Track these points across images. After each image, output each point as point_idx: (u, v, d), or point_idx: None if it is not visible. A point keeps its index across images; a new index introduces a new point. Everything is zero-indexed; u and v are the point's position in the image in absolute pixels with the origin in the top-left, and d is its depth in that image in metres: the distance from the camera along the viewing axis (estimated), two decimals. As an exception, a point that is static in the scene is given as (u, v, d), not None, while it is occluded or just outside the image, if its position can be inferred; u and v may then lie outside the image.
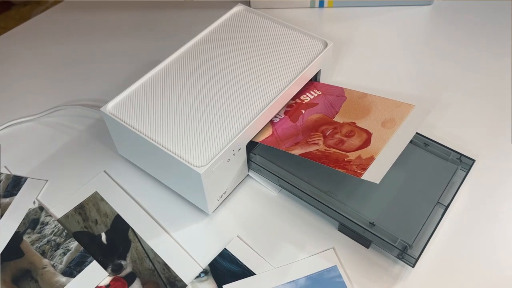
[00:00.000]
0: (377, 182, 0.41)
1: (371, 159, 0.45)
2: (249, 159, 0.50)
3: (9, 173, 0.54)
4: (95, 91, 0.63)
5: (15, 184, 0.52)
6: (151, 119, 0.48)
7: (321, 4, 0.73)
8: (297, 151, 0.48)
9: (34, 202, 0.51)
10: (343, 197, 0.46)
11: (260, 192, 0.51)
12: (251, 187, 0.51)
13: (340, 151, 0.47)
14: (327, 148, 0.48)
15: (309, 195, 0.46)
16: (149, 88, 0.51)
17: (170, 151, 0.45)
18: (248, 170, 0.51)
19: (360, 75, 0.63)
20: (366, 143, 0.48)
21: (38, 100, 0.62)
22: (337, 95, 0.55)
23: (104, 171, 0.53)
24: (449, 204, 0.45)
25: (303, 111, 0.54)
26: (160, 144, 0.45)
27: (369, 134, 0.49)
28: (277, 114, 0.54)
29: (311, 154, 0.47)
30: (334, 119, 0.52)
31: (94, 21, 0.74)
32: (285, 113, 0.55)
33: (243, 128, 0.47)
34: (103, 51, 0.69)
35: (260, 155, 0.51)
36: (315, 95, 0.56)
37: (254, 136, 0.50)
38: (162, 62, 0.54)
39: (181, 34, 0.71)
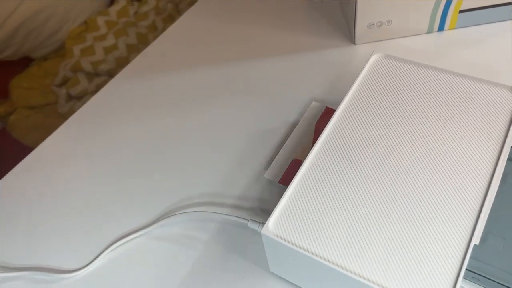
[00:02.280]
0: None
1: None
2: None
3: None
4: (203, 186, 0.51)
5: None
6: (329, 233, 0.36)
7: (441, 27, 0.61)
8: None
9: None
10: None
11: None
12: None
13: None
14: None
15: None
16: (312, 187, 0.39)
17: (368, 280, 0.32)
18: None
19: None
20: None
21: (142, 208, 0.50)
22: None
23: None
24: None
25: None
26: (349, 271, 0.33)
27: None
28: None
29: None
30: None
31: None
32: None
33: (470, 232, 0.34)
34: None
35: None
36: None
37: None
38: (314, 147, 0.41)
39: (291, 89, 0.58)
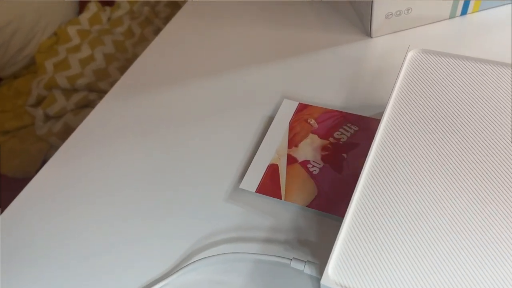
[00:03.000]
0: None
1: None
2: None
3: None
4: (221, 218, 0.44)
5: None
6: (400, 273, 0.29)
7: (464, 11, 0.55)
8: None
9: None
10: None
11: None
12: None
13: None
14: None
15: None
16: (371, 217, 0.32)
17: None
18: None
19: None
20: None
21: (157, 255, 0.42)
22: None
23: None
24: None
25: (345, 156, 0.43)
26: None
27: None
28: (313, 160, 0.43)
29: None
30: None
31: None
32: (323, 158, 0.43)
33: None
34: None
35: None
36: (352, 131, 0.44)
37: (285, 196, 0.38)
38: (364, 168, 0.35)
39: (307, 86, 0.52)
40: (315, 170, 0.43)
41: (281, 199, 0.42)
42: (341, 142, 0.45)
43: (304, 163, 0.44)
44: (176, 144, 0.50)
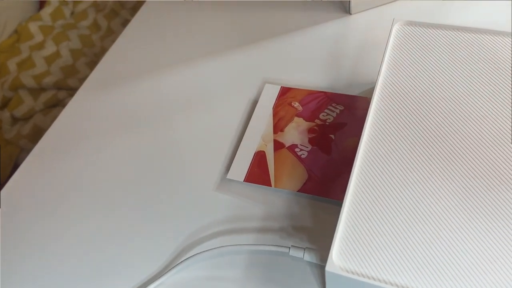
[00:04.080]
0: None
1: None
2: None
3: None
4: (210, 211, 0.42)
5: None
6: (404, 254, 0.29)
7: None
8: None
9: None
10: None
11: None
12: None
13: None
14: None
15: None
16: (370, 198, 0.31)
17: None
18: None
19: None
20: None
21: (147, 254, 0.40)
22: (365, 108, 0.44)
23: None
24: None
25: (332, 136, 0.42)
26: None
27: None
28: (301, 144, 0.42)
29: None
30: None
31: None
32: (310, 141, 0.42)
33: None
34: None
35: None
36: (337, 111, 0.44)
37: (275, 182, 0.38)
38: (358, 150, 0.33)
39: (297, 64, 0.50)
40: (303, 154, 0.42)
41: (271, 186, 0.41)
42: (327, 123, 0.44)
43: (292, 148, 0.43)
44: (157, 137, 0.48)
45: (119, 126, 0.50)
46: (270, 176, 0.41)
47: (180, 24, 0.60)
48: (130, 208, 0.43)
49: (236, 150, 0.45)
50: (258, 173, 0.42)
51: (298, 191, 0.40)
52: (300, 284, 0.36)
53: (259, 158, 0.43)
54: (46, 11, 1.19)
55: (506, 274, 0.27)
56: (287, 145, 0.43)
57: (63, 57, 1.07)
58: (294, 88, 0.48)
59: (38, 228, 0.43)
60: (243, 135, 0.46)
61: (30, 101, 1.02)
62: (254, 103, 0.49)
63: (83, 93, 0.54)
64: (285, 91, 0.47)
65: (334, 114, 0.44)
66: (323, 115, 0.45)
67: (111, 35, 1.16)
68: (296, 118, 0.45)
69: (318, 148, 0.42)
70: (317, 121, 0.44)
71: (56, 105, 1.03)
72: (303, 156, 0.42)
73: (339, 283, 0.30)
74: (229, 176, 0.42)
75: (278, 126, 0.45)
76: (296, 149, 0.43)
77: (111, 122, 0.50)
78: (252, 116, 0.46)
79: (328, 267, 0.29)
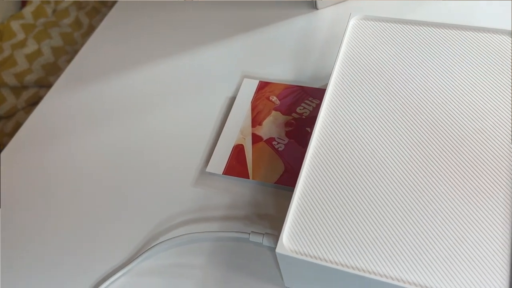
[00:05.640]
0: None
1: None
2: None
3: None
4: (176, 201, 0.43)
5: None
6: (350, 237, 0.30)
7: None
8: None
9: None
10: None
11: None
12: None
13: None
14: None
15: None
16: (320, 186, 0.32)
17: (408, 283, 0.27)
18: None
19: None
20: None
21: (115, 243, 0.41)
22: None
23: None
24: None
25: (309, 130, 0.44)
26: (380, 275, 0.28)
27: None
28: (278, 137, 0.43)
29: None
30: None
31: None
32: (287, 134, 0.43)
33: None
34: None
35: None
36: (313, 105, 0.45)
37: (253, 175, 0.39)
38: (311, 138, 0.34)
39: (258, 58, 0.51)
40: (280, 147, 0.43)
41: (249, 178, 0.41)
42: (304, 117, 0.45)
43: (269, 141, 0.44)
44: (134, 132, 0.48)
45: (94, 121, 0.50)
46: (248, 169, 0.42)
47: (155, 20, 0.60)
48: (104, 199, 0.44)
49: (215, 144, 0.46)
50: (236, 166, 0.43)
51: (274, 182, 0.41)
52: (261, 268, 0.37)
53: (238, 151, 0.44)
54: (28, 10, 1.18)
55: (448, 253, 0.28)
56: (265, 138, 0.44)
57: (44, 55, 1.07)
58: (271, 83, 0.48)
59: (12, 223, 0.43)
60: (222, 129, 0.47)
61: (12, 99, 1.01)
62: (233, 97, 0.49)
63: (58, 88, 0.54)
64: (263, 86, 0.48)
65: (311, 108, 0.45)
66: (300, 109, 0.46)
67: (92, 32, 1.15)
68: (273, 112, 0.46)
69: (295, 141, 0.43)
70: (294, 114, 0.45)
71: (38, 103, 1.03)
72: (280, 149, 0.43)
73: (291, 265, 0.31)
74: (208, 169, 0.43)
75: (256, 120, 0.46)
76: (274, 142, 0.43)
77: (86, 116, 0.51)
78: (231, 110, 0.47)
79: (278, 249, 0.30)
